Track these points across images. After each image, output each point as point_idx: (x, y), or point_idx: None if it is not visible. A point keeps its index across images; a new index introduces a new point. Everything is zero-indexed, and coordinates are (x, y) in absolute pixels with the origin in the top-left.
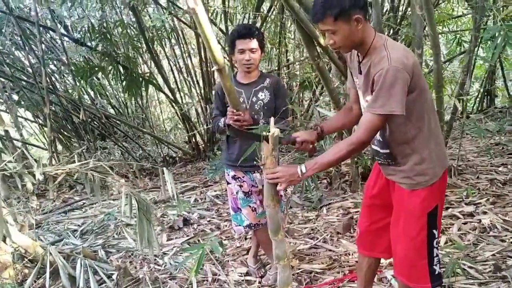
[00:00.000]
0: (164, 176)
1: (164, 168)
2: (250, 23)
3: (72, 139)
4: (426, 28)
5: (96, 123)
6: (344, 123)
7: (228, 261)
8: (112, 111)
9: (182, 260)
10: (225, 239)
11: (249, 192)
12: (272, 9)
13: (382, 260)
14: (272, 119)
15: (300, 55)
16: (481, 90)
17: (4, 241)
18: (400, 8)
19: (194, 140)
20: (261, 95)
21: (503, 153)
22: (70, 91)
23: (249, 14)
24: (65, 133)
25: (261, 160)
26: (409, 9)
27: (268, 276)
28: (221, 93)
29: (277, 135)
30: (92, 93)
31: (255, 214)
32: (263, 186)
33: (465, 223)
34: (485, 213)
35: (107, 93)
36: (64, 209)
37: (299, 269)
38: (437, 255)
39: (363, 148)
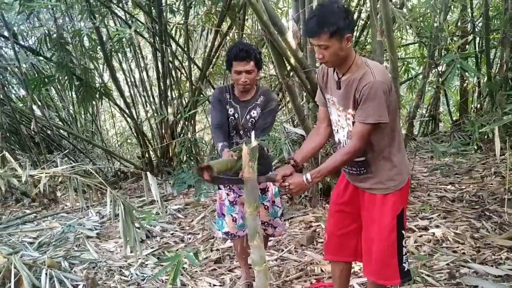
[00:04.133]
0: (147, 181)
1: (148, 173)
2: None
3: (16, 151)
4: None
5: (42, 135)
6: (314, 147)
7: (196, 271)
8: (60, 124)
9: (150, 271)
10: (190, 252)
11: (234, 202)
12: (232, 28)
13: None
14: (253, 133)
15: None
16: (427, 115)
17: None
18: (354, 34)
19: (147, 155)
20: (254, 113)
21: (449, 173)
22: (16, 101)
23: (208, 31)
24: (8, 145)
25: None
26: (364, 33)
27: (238, 286)
28: (225, 104)
29: (255, 147)
30: (40, 104)
31: (235, 224)
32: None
33: (420, 236)
34: (437, 226)
35: (55, 105)
36: (14, 222)
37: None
38: (405, 253)
39: (357, 156)
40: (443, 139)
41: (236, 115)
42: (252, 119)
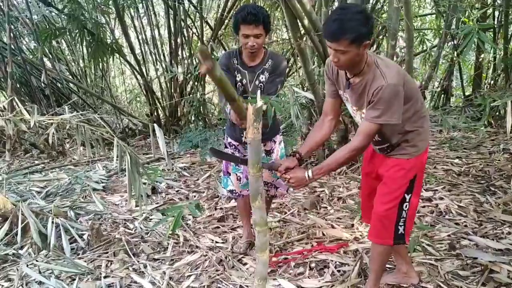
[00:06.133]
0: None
1: (155, 125)
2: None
3: (26, 103)
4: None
5: (52, 88)
6: (318, 140)
7: (200, 228)
8: (70, 77)
9: (154, 224)
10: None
11: None
12: None
13: (347, 235)
14: (258, 92)
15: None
16: (439, 88)
17: None
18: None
19: (156, 113)
20: (262, 77)
21: (457, 148)
22: (27, 52)
23: None
24: (18, 95)
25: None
26: (380, 1)
27: (239, 244)
28: (232, 69)
29: (260, 107)
30: (50, 57)
31: (239, 183)
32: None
33: (423, 207)
34: (441, 199)
35: (66, 58)
36: (22, 171)
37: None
38: (403, 217)
39: (362, 152)
40: (454, 114)
41: (244, 81)
42: (261, 84)
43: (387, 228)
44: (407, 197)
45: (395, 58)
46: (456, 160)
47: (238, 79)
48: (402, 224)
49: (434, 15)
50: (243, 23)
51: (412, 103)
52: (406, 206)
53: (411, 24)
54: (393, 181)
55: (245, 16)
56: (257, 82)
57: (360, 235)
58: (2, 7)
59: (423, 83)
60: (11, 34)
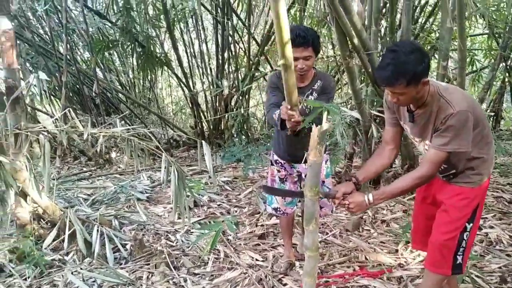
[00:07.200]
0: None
1: (203, 142)
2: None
3: (77, 111)
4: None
5: (103, 97)
6: (377, 169)
7: (240, 244)
8: (120, 88)
9: (195, 238)
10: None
11: (284, 179)
12: (294, 4)
13: (391, 260)
14: (325, 114)
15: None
16: (489, 110)
17: (25, 199)
18: (419, 20)
19: (200, 126)
20: (311, 98)
21: (508, 174)
22: (80, 63)
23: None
24: (70, 104)
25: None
26: (430, 20)
27: (280, 263)
28: (281, 90)
29: (324, 130)
30: (102, 67)
31: (283, 201)
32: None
33: None
34: (492, 227)
35: (116, 69)
36: (71, 177)
37: None
38: (463, 247)
39: (428, 181)
40: (504, 137)
41: None
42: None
43: (445, 258)
44: (468, 226)
45: (445, 80)
46: (507, 187)
47: None
48: (461, 253)
49: (485, 35)
50: (292, 45)
51: (480, 128)
52: (466, 236)
53: (465, 44)
54: (456, 210)
55: (294, 39)
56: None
57: (405, 262)
58: (61, 19)
59: None
60: (68, 45)
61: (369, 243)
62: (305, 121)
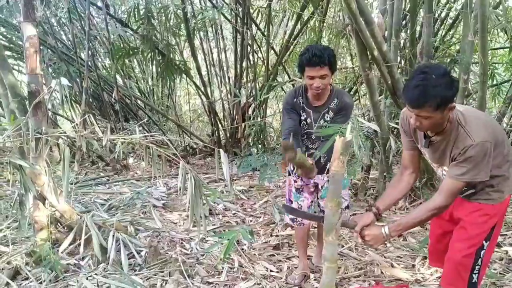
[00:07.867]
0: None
1: (221, 151)
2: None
3: (97, 116)
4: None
5: (122, 103)
6: (397, 196)
7: (255, 254)
8: (139, 95)
9: (209, 246)
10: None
11: (301, 189)
12: (314, 15)
13: (407, 276)
14: (349, 126)
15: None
16: (509, 126)
17: (43, 203)
18: (439, 33)
19: (217, 134)
20: (327, 117)
21: None
22: (101, 69)
23: (289, 17)
24: (90, 109)
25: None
26: (450, 33)
27: (294, 275)
28: (298, 109)
29: (348, 141)
30: (122, 74)
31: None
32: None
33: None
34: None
35: (136, 76)
36: (88, 182)
37: None
38: (479, 265)
39: (444, 211)
40: None
41: (309, 120)
42: (326, 123)
43: (462, 276)
44: (485, 244)
45: (465, 92)
46: None
47: (302, 117)
48: (476, 272)
49: (506, 49)
50: (308, 65)
51: (500, 149)
52: (482, 254)
53: (486, 58)
54: (474, 226)
55: (309, 58)
56: (322, 121)
57: (422, 277)
58: (84, 26)
59: (496, 118)
60: (89, 52)
61: (385, 257)
62: (319, 152)
